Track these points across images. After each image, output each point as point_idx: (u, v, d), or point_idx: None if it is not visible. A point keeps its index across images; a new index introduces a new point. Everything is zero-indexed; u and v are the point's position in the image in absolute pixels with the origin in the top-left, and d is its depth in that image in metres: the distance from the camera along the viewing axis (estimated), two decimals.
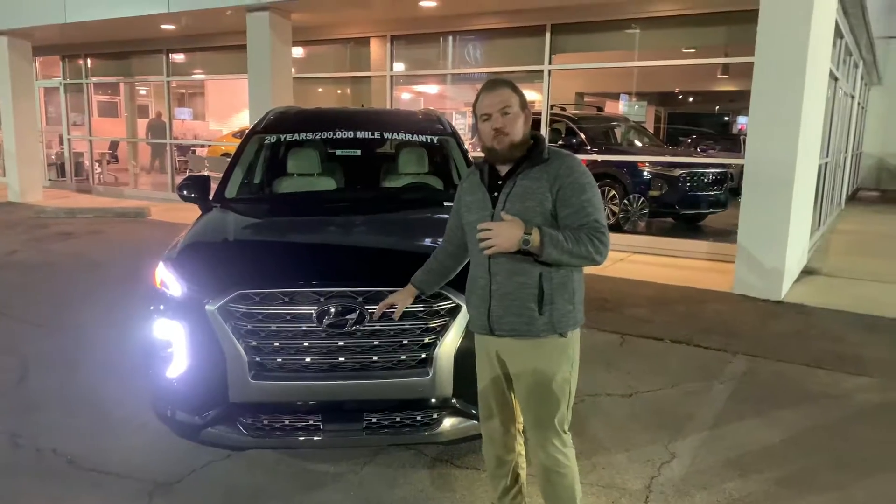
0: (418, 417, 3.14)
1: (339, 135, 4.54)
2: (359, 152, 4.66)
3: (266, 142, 4.70)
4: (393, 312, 2.97)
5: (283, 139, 4.67)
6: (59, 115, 16.42)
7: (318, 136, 4.59)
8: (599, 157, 10.54)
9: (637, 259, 8.40)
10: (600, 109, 12.79)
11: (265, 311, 3.01)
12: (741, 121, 16.73)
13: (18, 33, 13.05)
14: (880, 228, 12.59)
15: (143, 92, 21.73)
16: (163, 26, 12.10)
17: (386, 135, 4.65)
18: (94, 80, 15.71)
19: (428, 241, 3.63)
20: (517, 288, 2.44)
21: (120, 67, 15.40)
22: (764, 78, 6.56)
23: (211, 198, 4.30)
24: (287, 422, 3.10)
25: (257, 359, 3.02)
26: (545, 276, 2.42)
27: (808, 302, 6.67)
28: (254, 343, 3.01)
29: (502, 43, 10.78)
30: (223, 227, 3.69)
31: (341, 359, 3.06)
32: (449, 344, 3.05)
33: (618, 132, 11.53)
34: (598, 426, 4.00)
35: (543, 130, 10.06)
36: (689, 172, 10.20)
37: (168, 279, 3.27)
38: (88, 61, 15.55)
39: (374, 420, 3.11)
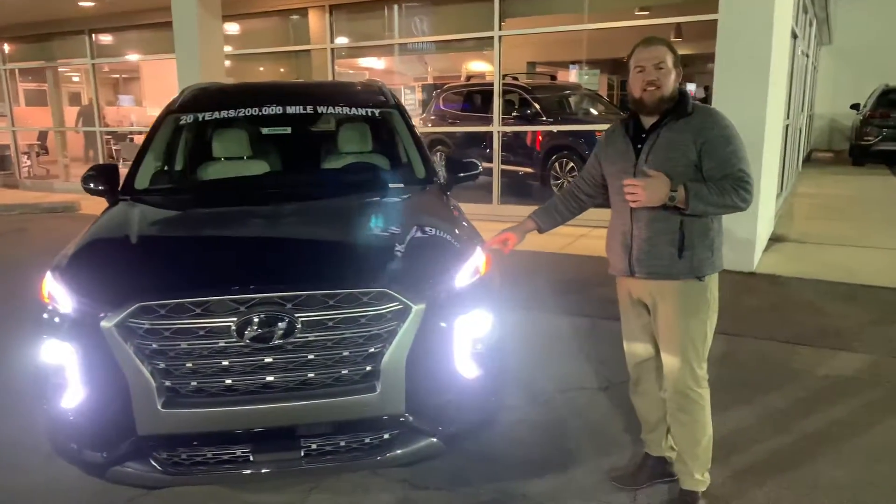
0: (366, 440, 2.69)
1: (266, 111, 3.97)
2: (289, 130, 4.10)
3: (182, 122, 4.09)
4: (331, 318, 2.53)
5: (201, 118, 4.05)
6: None
7: (241, 114, 4.00)
8: (555, 128, 10.10)
9: (600, 234, 7.88)
10: (553, 78, 12.32)
11: (173, 325, 2.49)
12: (690, 87, 16.41)
13: None
14: (841, 191, 12.45)
15: (76, 78, 20.58)
16: (81, 3, 11.17)
17: (320, 109, 4.07)
18: (12, 65, 14.62)
19: (373, 229, 3.12)
20: (656, 233, 2.60)
21: (41, 51, 14.32)
22: (729, 34, 6.15)
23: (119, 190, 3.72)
24: (210, 455, 2.61)
25: (167, 383, 2.52)
26: (686, 222, 2.56)
27: (781, 272, 6.37)
28: (162, 365, 2.51)
29: (449, 9, 10.18)
30: (126, 225, 3.10)
31: (270, 378, 2.56)
32: (398, 352, 2.59)
33: (573, 101, 11.09)
34: (574, 427, 3.58)
35: (495, 101, 9.56)
36: None
37: (56, 292, 2.72)
38: (6, 46, 14.44)
39: (313, 446, 2.65)
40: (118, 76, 21.28)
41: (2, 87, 14.62)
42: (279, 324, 2.49)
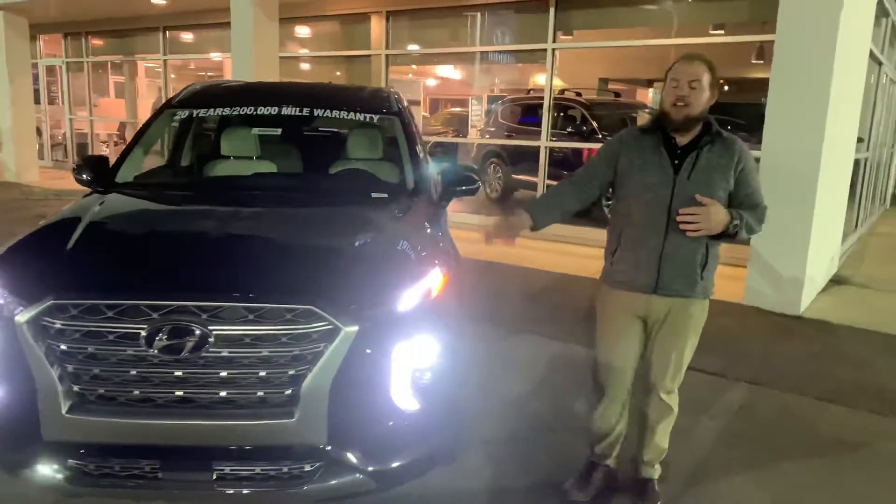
0: (284, 469, 2.46)
1: (261, 111, 3.80)
2: (279, 132, 3.93)
3: (176, 117, 3.99)
4: (249, 334, 2.34)
5: (195, 115, 3.94)
6: (71, 96, 16.02)
7: (235, 112, 3.85)
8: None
9: None
10: (618, 95, 11.87)
11: (84, 327, 2.35)
12: None
13: (15, 9, 12.63)
14: None
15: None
16: (154, 1, 11.54)
17: (316, 112, 3.89)
18: (93, 59, 15.27)
19: (321, 242, 2.88)
20: (689, 252, 2.61)
21: (120, 46, 14.92)
22: (786, 57, 5.63)
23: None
24: (118, 467, 2.45)
25: (75, 388, 2.38)
26: (710, 245, 2.63)
27: (831, 318, 5.76)
28: (70, 368, 2.37)
29: (506, 19, 9.87)
30: (77, 219, 2.95)
31: (179, 393, 2.38)
32: (322, 377, 2.37)
33: (635, 120, 10.62)
34: (548, 472, 3.24)
35: (544, 116, 9.21)
36: None
37: None
38: (89, 39, 15.10)
39: (227, 470, 2.44)
40: (203, 73, 21.98)
41: (85, 78, 15.30)
42: (190, 336, 2.31)
